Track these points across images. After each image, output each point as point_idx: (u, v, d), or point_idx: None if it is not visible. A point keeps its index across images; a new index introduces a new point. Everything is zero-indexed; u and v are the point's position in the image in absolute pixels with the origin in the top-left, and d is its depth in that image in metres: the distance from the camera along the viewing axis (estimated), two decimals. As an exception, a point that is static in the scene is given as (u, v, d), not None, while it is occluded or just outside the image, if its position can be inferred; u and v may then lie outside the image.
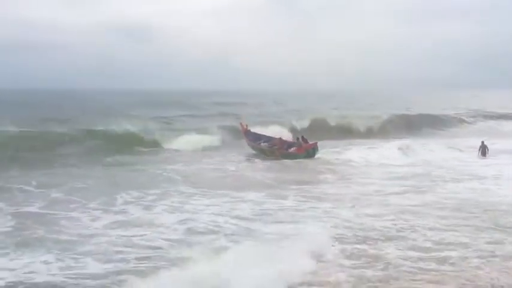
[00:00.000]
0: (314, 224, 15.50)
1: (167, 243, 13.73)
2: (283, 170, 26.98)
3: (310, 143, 31.84)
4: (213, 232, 14.68)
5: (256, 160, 30.39)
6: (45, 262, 12.29)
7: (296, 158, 30.28)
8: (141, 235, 14.42)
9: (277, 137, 33.31)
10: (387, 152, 31.42)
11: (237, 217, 16.48)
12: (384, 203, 18.67)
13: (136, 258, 12.50)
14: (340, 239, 14.07)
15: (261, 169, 27.20)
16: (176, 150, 34.19)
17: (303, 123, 47.68)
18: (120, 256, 12.63)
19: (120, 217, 16.59)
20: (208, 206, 18.13)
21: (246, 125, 36.45)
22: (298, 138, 32.53)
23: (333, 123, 50.32)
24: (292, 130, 42.54)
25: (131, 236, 14.29)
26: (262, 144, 33.72)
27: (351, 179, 24.02)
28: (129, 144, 33.83)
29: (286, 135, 36.15)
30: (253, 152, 33.51)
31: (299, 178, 24.29)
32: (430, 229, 15.05)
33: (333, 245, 13.47)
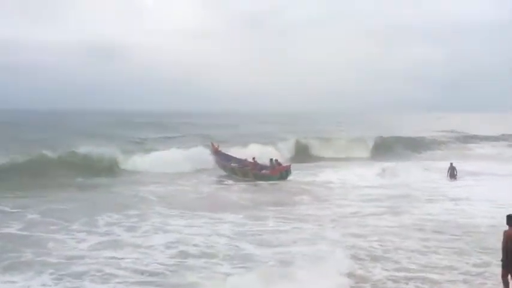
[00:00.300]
0: (309, 245, 15.62)
1: (163, 267, 13.63)
2: (258, 192, 27.22)
3: (284, 165, 32.15)
4: (208, 255, 14.60)
5: (229, 181, 30.50)
6: (43, 285, 12.15)
7: (269, 180, 30.46)
8: (135, 258, 14.31)
9: (250, 159, 33.30)
10: (363, 174, 31.85)
11: (225, 239, 16.53)
12: (363, 224, 18.95)
13: (138, 283, 12.43)
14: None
15: (236, 191, 27.39)
16: (147, 172, 33.80)
17: (288, 144, 48.10)
18: (117, 280, 12.53)
19: (105, 238, 16.52)
20: (190, 227, 18.19)
21: (218, 145, 36.45)
22: (271, 160, 32.66)
23: (315, 144, 50.68)
24: (278, 150, 43.71)
25: (121, 258, 14.22)
26: (233, 165, 33.80)
27: (328, 200, 24.28)
28: (101, 167, 33.36)
29: (266, 156, 35.76)
30: (224, 173, 33.51)
31: (275, 200, 24.45)
32: (414, 251, 15.27)
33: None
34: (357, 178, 30.82)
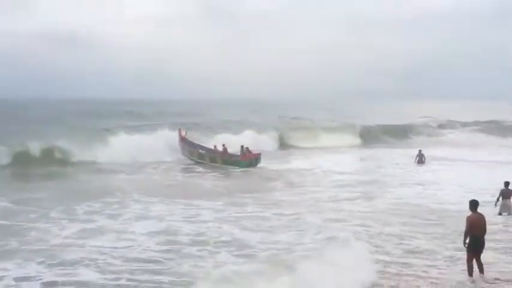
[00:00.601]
0: (298, 232, 15.73)
1: (157, 254, 13.52)
2: (232, 179, 27.42)
3: (254, 153, 32.27)
4: (199, 243, 14.49)
5: (200, 169, 30.46)
6: (38, 272, 12.03)
7: (237, 166, 30.73)
8: (126, 246, 14.17)
9: (220, 148, 33.30)
10: (337, 161, 32.17)
11: (210, 225, 16.58)
12: (339, 209, 19.28)
13: (139, 271, 12.25)
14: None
15: (209, 178, 27.47)
16: (112, 162, 32.26)
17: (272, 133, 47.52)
18: (113, 268, 12.39)
19: (88, 226, 16.37)
20: (171, 214, 18.11)
21: (186, 132, 36.24)
22: (242, 147, 32.61)
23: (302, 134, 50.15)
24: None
25: (112, 247, 14.05)
26: (201, 151, 33.84)
27: (301, 186, 24.57)
28: (67, 156, 32.55)
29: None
30: (190, 160, 33.49)
31: (249, 186, 24.61)
32: (397, 236, 15.57)
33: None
34: (330, 165, 31.17)
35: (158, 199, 20.63)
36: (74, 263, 12.63)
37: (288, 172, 29.09)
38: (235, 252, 13.62)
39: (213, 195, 22.21)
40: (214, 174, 28.87)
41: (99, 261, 12.75)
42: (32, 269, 12.29)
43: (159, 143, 36.26)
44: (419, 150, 33.11)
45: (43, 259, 12.89)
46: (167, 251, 13.75)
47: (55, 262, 12.68)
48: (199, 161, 32.95)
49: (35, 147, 31.93)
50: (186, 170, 30.45)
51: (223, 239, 14.91)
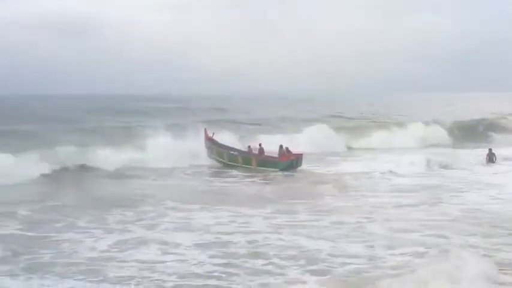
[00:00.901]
0: (366, 243, 14.90)
1: (217, 268, 12.79)
2: (274, 183, 26.67)
3: (295, 153, 31.21)
4: (260, 255, 13.67)
5: (235, 172, 29.59)
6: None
7: (276, 167, 29.90)
8: (175, 260, 13.42)
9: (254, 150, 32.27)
10: (394, 162, 30.99)
11: (264, 235, 15.67)
12: (403, 217, 18.35)
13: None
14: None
15: (249, 183, 26.59)
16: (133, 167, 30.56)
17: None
18: (170, 285, 11.71)
19: (125, 237, 15.59)
20: (217, 224, 17.26)
21: (213, 134, 35.08)
22: (281, 147, 31.61)
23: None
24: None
25: (160, 262, 13.28)
26: (232, 152, 32.70)
27: (356, 191, 23.61)
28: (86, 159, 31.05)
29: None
30: (217, 163, 32.62)
31: (295, 191, 23.90)
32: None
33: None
34: (388, 166, 29.71)
35: (198, 206, 19.84)
36: (121, 280, 11.95)
37: (334, 175, 28.05)
38: (307, 267, 12.76)
39: (258, 201, 21.36)
40: (253, 178, 27.84)
41: (152, 278, 12.04)
42: (71, 286, 11.63)
43: (189, 145, 34.94)
44: (490, 149, 32.42)
45: (83, 276, 12.23)
46: (225, 265, 12.98)
47: (98, 279, 12.01)
48: (230, 163, 31.96)
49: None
50: (220, 174, 29.51)
51: (286, 251, 14.07)
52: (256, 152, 31.93)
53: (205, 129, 35.35)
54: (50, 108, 70.80)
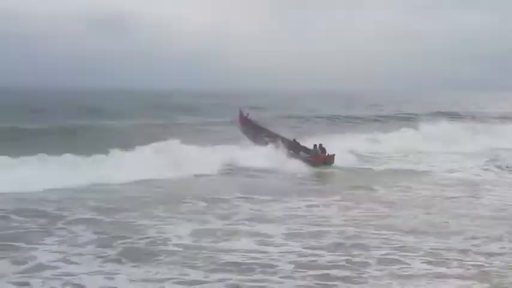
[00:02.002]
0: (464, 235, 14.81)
1: (334, 258, 12.76)
2: (323, 176, 26.72)
3: (329, 154, 29.69)
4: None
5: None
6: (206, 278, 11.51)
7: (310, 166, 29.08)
8: (285, 251, 13.29)
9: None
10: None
11: (348, 228, 15.47)
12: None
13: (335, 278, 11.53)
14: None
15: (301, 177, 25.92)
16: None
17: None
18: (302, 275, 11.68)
19: (206, 227, 15.53)
20: (296, 215, 17.16)
21: (248, 114, 34.87)
22: (315, 146, 30.47)
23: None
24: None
25: (267, 252, 13.18)
26: (266, 138, 31.90)
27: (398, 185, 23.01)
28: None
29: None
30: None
31: (348, 183, 23.68)
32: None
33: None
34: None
35: (271, 197, 19.69)
36: (246, 268, 12.04)
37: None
38: (427, 258, 12.73)
39: (318, 192, 21.41)
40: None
41: (277, 267, 12.14)
42: (186, 273, 11.73)
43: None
44: None
45: (193, 261, 12.35)
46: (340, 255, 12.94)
47: (215, 267, 12.05)
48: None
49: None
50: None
51: (392, 243, 14.01)
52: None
53: (240, 109, 35.49)
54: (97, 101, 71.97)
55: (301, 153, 30.41)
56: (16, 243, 13.42)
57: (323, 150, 30.06)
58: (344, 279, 11.41)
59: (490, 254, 13.01)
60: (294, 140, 31.92)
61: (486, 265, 12.26)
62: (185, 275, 11.58)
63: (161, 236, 14.33)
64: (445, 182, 23.88)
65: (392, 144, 35.65)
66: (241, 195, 19.84)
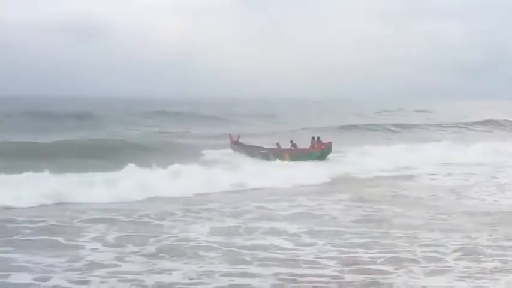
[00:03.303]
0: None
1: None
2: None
3: (324, 142, 32.48)
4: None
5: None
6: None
7: (309, 158, 31.02)
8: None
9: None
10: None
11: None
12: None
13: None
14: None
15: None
16: None
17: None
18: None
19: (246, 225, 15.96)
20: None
21: (238, 137, 37.04)
22: (313, 138, 33.11)
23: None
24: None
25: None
26: (262, 152, 34.03)
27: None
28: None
29: None
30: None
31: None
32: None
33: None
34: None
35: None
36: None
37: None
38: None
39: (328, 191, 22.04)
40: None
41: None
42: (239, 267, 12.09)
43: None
44: None
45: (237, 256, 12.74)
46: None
47: (260, 262, 12.45)
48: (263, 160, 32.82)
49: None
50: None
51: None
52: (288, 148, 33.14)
53: (229, 135, 37.68)
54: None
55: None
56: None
57: (319, 141, 32.43)
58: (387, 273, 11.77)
59: None
60: (291, 141, 33.75)
61: None
62: (235, 268, 11.98)
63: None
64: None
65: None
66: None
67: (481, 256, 12.90)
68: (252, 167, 27.62)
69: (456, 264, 12.36)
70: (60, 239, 14.21)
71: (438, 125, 64.91)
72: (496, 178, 25.55)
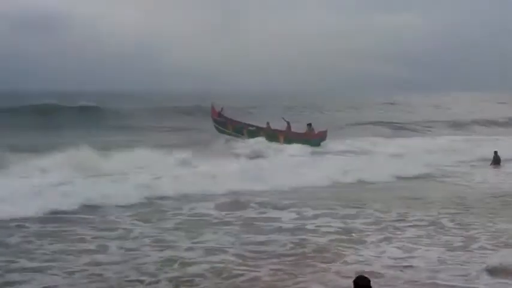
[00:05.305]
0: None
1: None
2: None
3: (320, 130, 33.08)
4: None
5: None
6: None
7: (308, 144, 31.22)
8: None
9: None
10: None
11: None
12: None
13: None
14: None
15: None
16: None
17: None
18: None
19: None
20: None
21: (222, 108, 35.46)
22: (309, 125, 33.39)
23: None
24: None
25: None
26: (250, 128, 33.95)
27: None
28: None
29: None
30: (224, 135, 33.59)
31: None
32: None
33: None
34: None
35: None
36: None
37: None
38: None
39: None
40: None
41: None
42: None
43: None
44: (495, 152, 31.18)
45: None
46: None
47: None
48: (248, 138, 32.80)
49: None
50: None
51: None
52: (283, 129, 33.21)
53: (212, 105, 36.06)
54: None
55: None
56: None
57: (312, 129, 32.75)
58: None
59: None
60: (287, 122, 33.84)
61: None
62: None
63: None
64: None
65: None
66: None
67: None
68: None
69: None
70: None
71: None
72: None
